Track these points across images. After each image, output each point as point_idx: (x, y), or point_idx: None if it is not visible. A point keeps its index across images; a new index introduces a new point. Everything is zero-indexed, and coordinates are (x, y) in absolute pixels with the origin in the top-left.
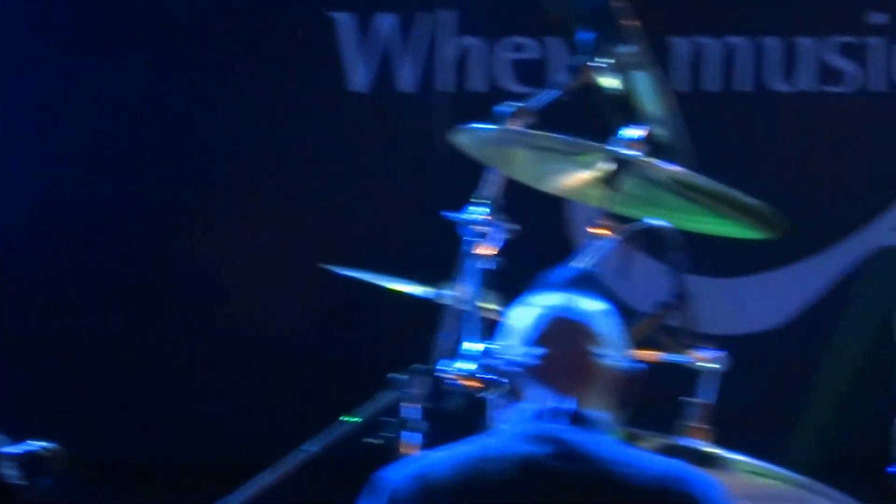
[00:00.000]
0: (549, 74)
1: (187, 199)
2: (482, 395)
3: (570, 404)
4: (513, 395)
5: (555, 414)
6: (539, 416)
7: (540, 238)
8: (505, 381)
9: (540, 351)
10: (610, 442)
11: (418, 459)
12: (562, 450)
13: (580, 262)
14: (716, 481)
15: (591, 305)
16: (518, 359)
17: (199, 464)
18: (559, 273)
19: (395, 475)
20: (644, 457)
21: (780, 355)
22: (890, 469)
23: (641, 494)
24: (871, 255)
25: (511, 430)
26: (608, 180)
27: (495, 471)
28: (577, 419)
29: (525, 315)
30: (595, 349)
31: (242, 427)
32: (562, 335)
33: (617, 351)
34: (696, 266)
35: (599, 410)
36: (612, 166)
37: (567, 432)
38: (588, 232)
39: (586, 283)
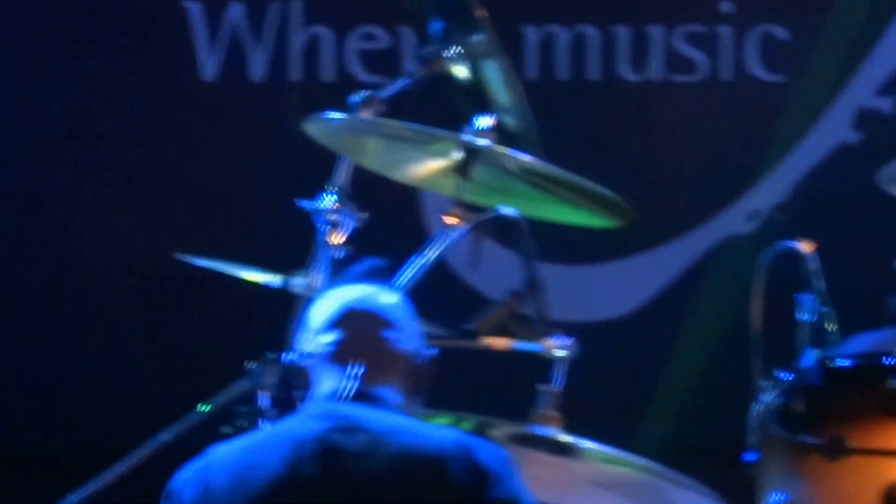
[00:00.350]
0: (400, 64)
1: (41, 188)
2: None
3: (360, 384)
4: (312, 382)
5: (344, 394)
6: (331, 397)
7: (392, 227)
8: (303, 370)
9: (334, 337)
10: (397, 417)
11: (202, 458)
12: (342, 424)
13: (375, 263)
14: (504, 452)
15: (384, 295)
16: (314, 348)
17: (51, 454)
18: (355, 266)
19: (179, 480)
20: (430, 429)
21: (631, 343)
22: (745, 456)
23: (422, 462)
24: (721, 244)
25: (301, 412)
26: (459, 169)
27: (272, 454)
28: (368, 398)
29: (322, 307)
30: (388, 334)
31: (97, 416)
32: (355, 323)
33: (410, 337)
34: (547, 254)
35: (393, 392)
36: (462, 155)
37: (351, 409)
38: (440, 220)
39: (381, 275)
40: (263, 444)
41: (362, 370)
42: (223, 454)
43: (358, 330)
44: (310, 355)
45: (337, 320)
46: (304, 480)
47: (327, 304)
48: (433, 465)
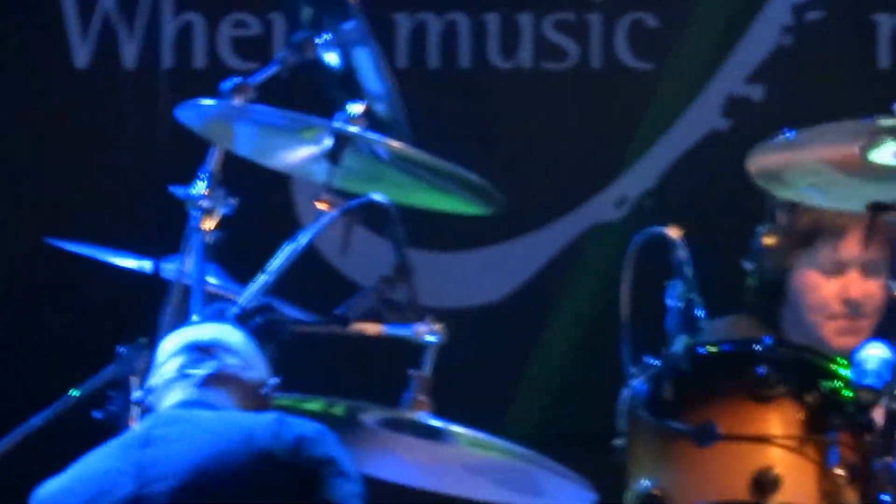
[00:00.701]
0: (272, 51)
1: None
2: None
3: (199, 397)
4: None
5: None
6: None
7: (264, 213)
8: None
9: (180, 362)
10: (219, 411)
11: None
12: (164, 421)
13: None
14: (322, 426)
15: (229, 332)
16: (160, 380)
17: None
18: (207, 309)
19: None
20: (249, 414)
21: (501, 329)
22: (614, 442)
23: (235, 434)
24: (590, 231)
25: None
26: (330, 156)
27: (100, 460)
28: (202, 406)
29: (169, 343)
30: (234, 366)
31: None
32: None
33: (253, 367)
34: (417, 240)
35: (229, 404)
36: (333, 142)
37: (180, 411)
38: (311, 207)
39: (227, 315)
40: (96, 454)
41: (202, 380)
42: (66, 476)
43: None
44: (156, 388)
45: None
46: (128, 468)
47: (175, 340)
48: (245, 434)
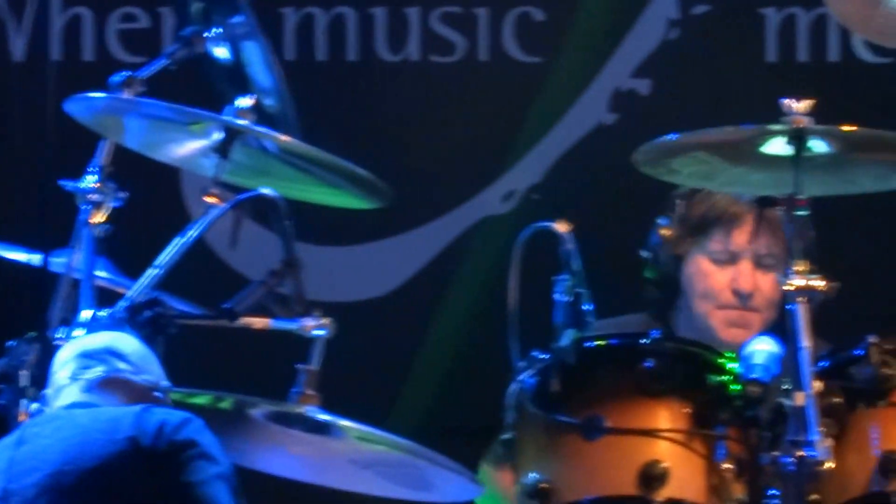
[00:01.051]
0: (161, 44)
1: None
2: None
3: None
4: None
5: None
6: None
7: (153, 206)
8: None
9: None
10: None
11: None
12: (40, 420)
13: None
14: (189, 414)
15: (122, 339)
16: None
17: None
18: (100, 316)
19: None
20: (117, 409)
21: (389, 323)
22: (504, 436)
23: (101, 423)
24: (478, 225)
25: None
26: (219, 149)
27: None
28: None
29: (63, 354)
30: (124, 370)
31: None
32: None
33: (146, 372)
34: (306, 234)
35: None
36: (222, 136)
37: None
38: (200, 200)
39: (121, 322)
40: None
41: (91, 384)
42: None
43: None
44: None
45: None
46: (1, 466)
47: (68, 350)
48: (110, 425)
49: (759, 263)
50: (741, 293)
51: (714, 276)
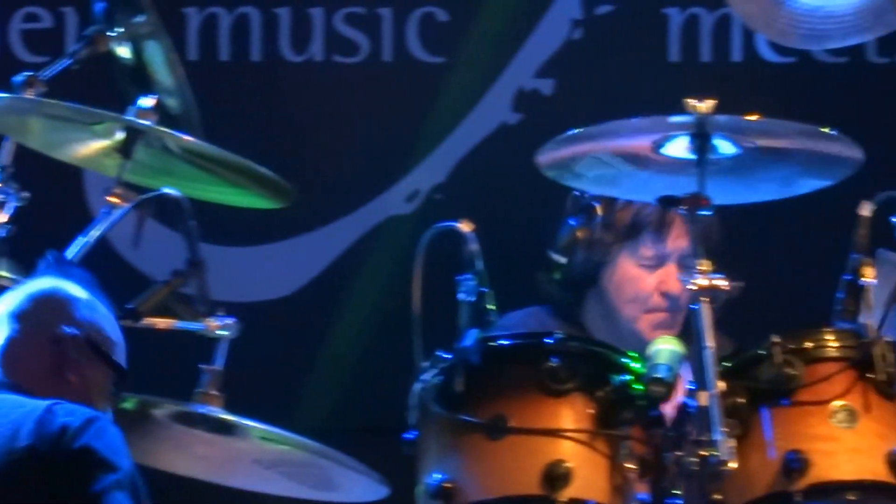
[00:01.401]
0: (64, 44)
1: None
2: None
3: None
4: None
5: None
6: None
7: (56, 206)
8: None
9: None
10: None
11: None
12: None
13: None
14: (91, 412)
15: (70, 287)
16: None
17: None
18: (47, 260)
19: None
20: (26, 401)
21: (292, 323)
22: (405, 435)
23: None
24: (381, 225)
25: None
26: (122, 149)
27: None
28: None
29: (8, 299)
30: (69, 327)
31: None
32: (38, 313)
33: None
34: (209, 235)
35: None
36: (125, 135)
37: None
38: (103, 200)
39: (68, 268)
40: None
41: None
42: None
43: (39, 320)
44: None
45: (21, 311)
46: None
47: (13, 297)
48: (12, 431)
49: (682, 265)
50: (670, 296)
51: (643, 280)
